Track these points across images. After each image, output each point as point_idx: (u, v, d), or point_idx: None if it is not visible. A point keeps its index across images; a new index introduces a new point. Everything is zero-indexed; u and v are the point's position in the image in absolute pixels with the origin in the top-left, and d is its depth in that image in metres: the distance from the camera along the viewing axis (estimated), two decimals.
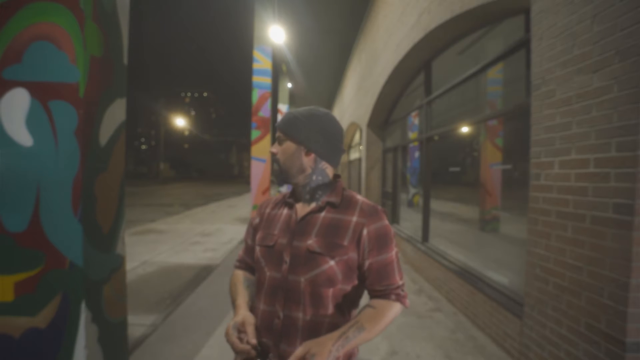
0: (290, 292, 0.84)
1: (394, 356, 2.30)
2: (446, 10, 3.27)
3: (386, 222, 0.88)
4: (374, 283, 0.86)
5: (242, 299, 0.92)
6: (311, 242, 0.84)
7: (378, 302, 0.86)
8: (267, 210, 0.98)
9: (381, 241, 0.86)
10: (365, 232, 0.85)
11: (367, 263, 0.85)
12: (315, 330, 0.83)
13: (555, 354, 1.83)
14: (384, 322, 0.84)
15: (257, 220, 0.99)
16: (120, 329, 1.77)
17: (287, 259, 0.85)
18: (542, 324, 1.94)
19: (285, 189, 12.70)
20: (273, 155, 0.92)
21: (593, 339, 1.59)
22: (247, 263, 1.03)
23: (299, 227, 0.88)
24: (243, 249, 1.05)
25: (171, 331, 2.62)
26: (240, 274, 1.02)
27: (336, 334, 0.78)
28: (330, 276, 0.83)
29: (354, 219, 0.86)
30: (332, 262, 0.83)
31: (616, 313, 1.47)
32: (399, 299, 0.87)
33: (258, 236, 0.95)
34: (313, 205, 0.90)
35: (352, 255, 0.85)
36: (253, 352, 0.80)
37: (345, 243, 0.84)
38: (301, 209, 0.92)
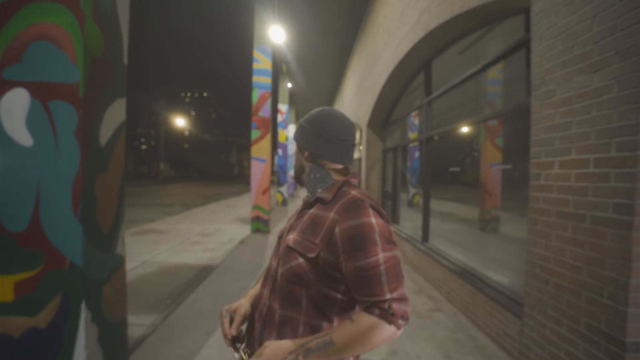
0: (274, 283, 0.87)
1: (394, 356, 2.30)
2: (446, 10, 3.27)
3: (366, 219, 0.75)
4: (355, 292, 0.75)
5: (255, 289, 0.98)
6: (291, 237, 0.86)
7: (358, 316, 0.74)
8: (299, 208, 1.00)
9: (355, 242, 0.74)
10: (337, 230, 0.76)
11: (343, 267, 0.76)
12: (289, 325, 0.81)
13: (555, 354, 1.83)
14: (361, 340, 0.71)
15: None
16: (120, 329, 1.77)
17: (281, 250, 0.90)
18: (542, 324, 1.94)
19: (285, 189, 12.70)
20: None
21: (593, 339, 1.59)
22: None
23: (295, 223, 0.91)
24: None
25: (171, 331, 2.62)
26: None
27: (298, 342, 0.74)
28: (298, 274, 0.79)
29: (331, 215, 0.79)
30: (300, 260, 0.79)
31: (616, 313, 1.47)
32: (384, 316, 0.71)
33: None
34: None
35: (324, 255, 0.77)
36: (228, 342, 0.87)
37: (317, 241, 0.78)
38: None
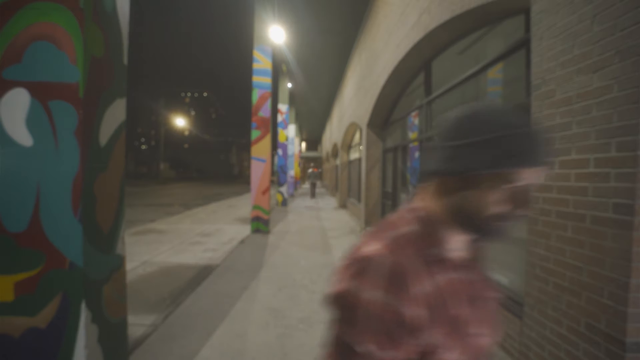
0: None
1: None
2: (446, 10, 3.27)
3: None
4: None
5: None
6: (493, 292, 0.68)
7: None
8: (440, 279, 0.54)
9: None
10: None
11: None
12: None
13: (555, 354, 1.83)
14: None
15: (417, 312, 0.48)
16: (120, 329, 1.77)
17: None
18: (542, 324, 1.94)
19: (285, 189, 12.66)
20: None
21: (593, 339, 1.59)
22: None
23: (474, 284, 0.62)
24: None
25: (171, 331, 2.62)
26: None
27: None
28: None
29: None
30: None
31: (616, 313, 1.47)
32: None
33: (440, 333, 0.51)
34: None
35: None
36: None
37: None
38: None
